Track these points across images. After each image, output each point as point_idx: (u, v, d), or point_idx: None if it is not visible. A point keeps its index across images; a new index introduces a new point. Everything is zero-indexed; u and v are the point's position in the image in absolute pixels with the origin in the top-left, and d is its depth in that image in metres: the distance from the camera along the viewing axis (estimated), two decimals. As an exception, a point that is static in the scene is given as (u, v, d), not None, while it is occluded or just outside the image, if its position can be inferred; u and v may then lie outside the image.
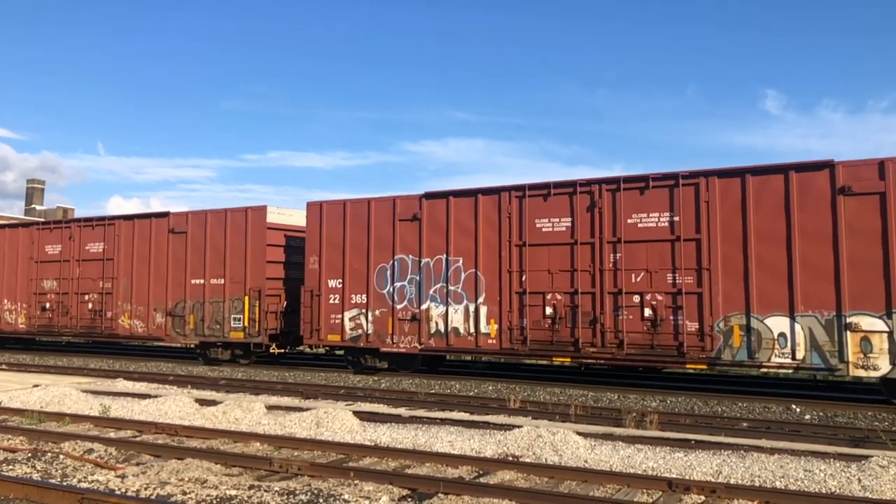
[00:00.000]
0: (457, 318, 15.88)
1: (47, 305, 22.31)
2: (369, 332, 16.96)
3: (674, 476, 7.76)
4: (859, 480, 7.42)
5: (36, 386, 14.89)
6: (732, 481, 7.60)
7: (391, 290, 16.74)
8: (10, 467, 8.19)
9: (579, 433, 9.61)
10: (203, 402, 12.51)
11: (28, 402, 13.04)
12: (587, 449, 8.98)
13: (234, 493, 7.03)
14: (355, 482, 7.54)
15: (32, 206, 56.23)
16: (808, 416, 12.08)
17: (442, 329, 16.04)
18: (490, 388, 15.17)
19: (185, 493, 7.04)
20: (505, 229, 15.48)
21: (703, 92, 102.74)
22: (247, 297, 18.77)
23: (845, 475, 7.58)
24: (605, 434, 9.85)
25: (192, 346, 20.23)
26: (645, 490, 7.33)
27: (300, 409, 11.67)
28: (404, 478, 7.66)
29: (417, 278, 16.41)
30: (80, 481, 7.59)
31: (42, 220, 21.70)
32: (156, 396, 13.19)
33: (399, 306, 16.61)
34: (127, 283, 20.84)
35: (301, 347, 19.64)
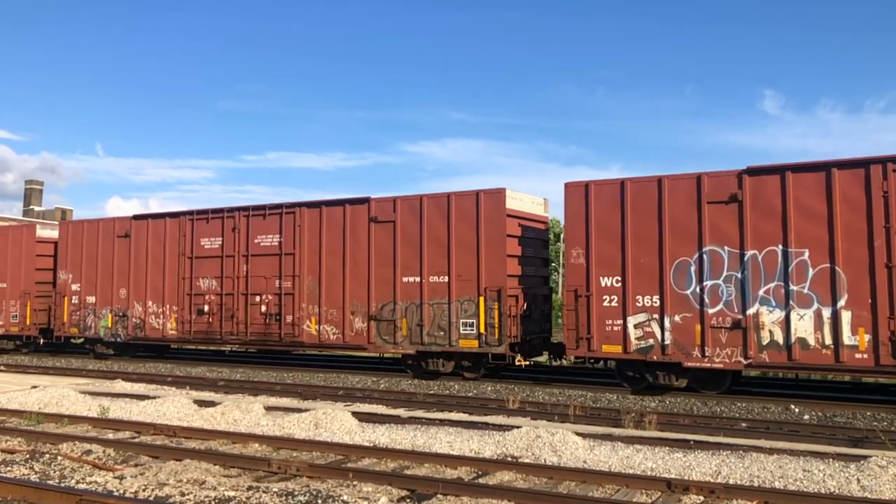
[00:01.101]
0: (803, 327, 12.87)
1: (205, 308, 19.33)
2: (665, 342, 13.77)
3: (673, 476, 7.75)
4: (858, 480, 7.42)
5: (34, 387, 14.87)
6: (731, 481, 7.59)
7: (697, 290, 13.68)
8: (9, 468, 8.18)
9: (578, 433, 9.61)
10: (202, 403, 12.50)
11: (26, 403, 13.02)
12: (586, 449, 8.97)
13: (232, 493, 7.02)
14: (354, 483, 7.54)
15: (31, 206, 56.19)
16: (806, 417, 12.08)
17: (780, 339, 12.98)
18: (489, 388, 15.17)
19: (183, 495, 7.03)
20: (878, 212, 12.44)
21: (702, 92, 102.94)
22: (482, 299, 15.70)
23: (844, 475, 7.59)
24: (604, 434, 9.85)
25: (405, 355, 17.07)
26: (644, 490, 7.33)
27: (299, 410, 11.66)
28: (403, 478, 7.66)
29: (739, 275, 13.40)
30: (78, 482, 7.58)
31: (196, 209, 19.82)
32: (154, 397, 13.18)
33: (711, 311, 13.50)
34: (314, 282, 17.79)
35: (538, 358, 16.95)
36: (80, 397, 13.37)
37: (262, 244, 18.79)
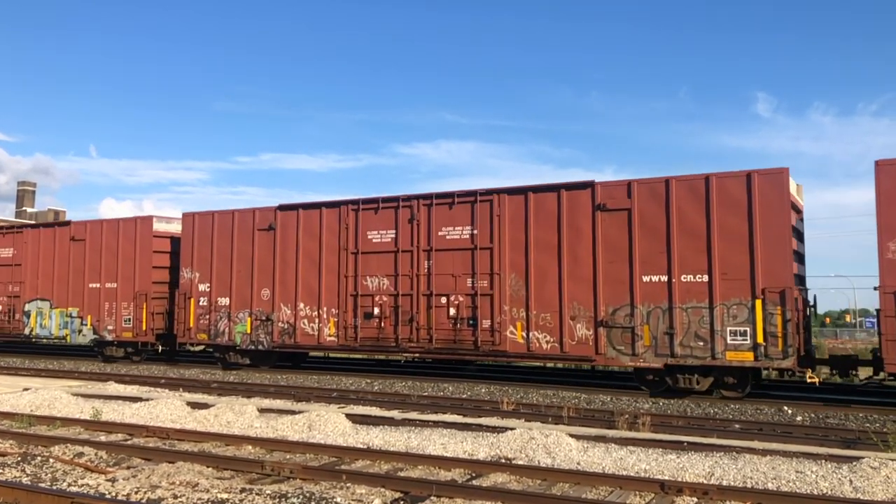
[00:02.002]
0: None
1: (375, 311, 16.81)
2: None
3: (666, 478, 7.77)
4: (851, 482, 7.45)
5: (26, 389, 14.79)
6: (725, 483, 7.61)
7: None
8: (0, 471, 8.13)
9: (572, 435, 9.62)
10: (195, 406, 12.46)
11: (18, 405, 12.96)
12: (580, 451, 8.98)
13: (225, 496, 7.00)
14: (347, 485, 7.53)
15: (23, 208, 55.97)
16: (799, 418, 12.12)
17: None
18: (483, 390, 15.17)
19: (176, 497, 7.01)
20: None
21: (695, 94, 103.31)
22: (759, 301, 13.13)
23: (837, 476, 7.61)
24: (598, 436, 9.86)
25: (644, 369, 14.33)
26: (637, 492, 7.34)
27: (292, 412, 11.64)
28: (397, 480, 7.65)
29: None
30: (70, 485, 7.54)
31: (361, 197, 17.47)
32: (147, 399, 13.13)
33: None
34: (518, 282, 15.32)
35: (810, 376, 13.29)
36: (72, 399, 13.31)
37: (448, 237, 16.30)
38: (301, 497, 6.96)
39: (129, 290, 20.89)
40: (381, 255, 17.03)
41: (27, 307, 22.90)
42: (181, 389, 15.73)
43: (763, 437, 10.31)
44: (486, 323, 15.51)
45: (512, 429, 9.89)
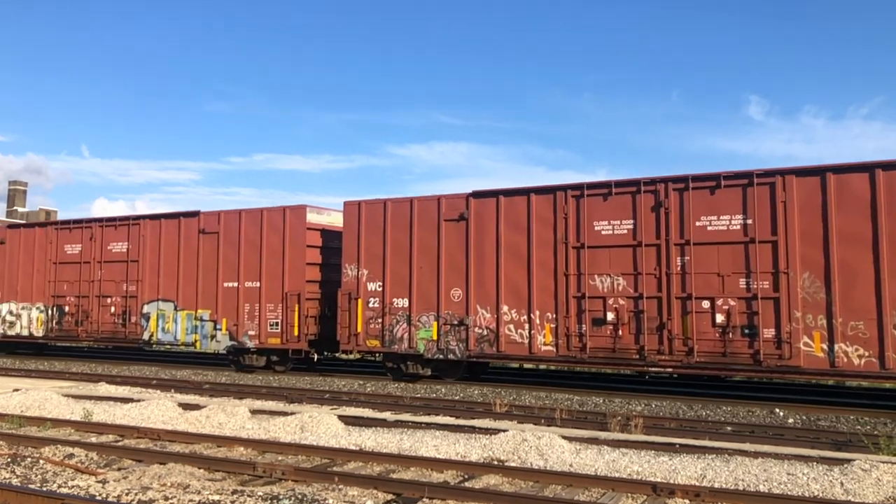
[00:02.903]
0: None
1: (608, 317, 14.19)
2: None
3: (658, 480, 7.78)
4: (842, 484, 7.47)
5: (16, 390, 14.70)
6: (716, 485, 7.63)
7: None
8: (-11, 472, 8.07)
9: (564, 437, 9.62)
10: (186, 407, 12.41)
11: (8, 406, 12.87)
12: (572, 453, 8.98)
13: (217, 497, 6.97)
14: (340, 487, 7.51)
15: (14, 207, 55.63)
16: (791, 420, 12.16)
17: None
18: (475, 392, 15.16)
19: (167, 499, 6.98)
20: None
21: (687, 97, 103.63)
22: None
23: (828, 478, 7.64)
24: (590, 438, 9.86)
25: None
26: (629, 494, 7.35)
27: (284, 414, 11.60)
28: (389, 482, 7.63)
29: None
30: (60, 486, 7.50)
31: (584, 181, 14.81)
32: (139, 400, 13.08)
33: None
34: (813, 282, 12.74)
35: None
36: (62, 400, 13.23)
37: (710, 228, 13.65)
38: (293, 499, 6.94)
39: (276, 289, 18.06)
40: (614, 249, 14.33)
41: (146, 309, 20.14)
42: (173, 390, 15.66)
43: (755, 439, 10.34)
44: (770, 333, 12.95)
45: (504, 430, 9.89)
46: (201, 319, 19.20)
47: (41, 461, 8.54)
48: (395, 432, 10.35)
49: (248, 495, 7.07)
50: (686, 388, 15.70)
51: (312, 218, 18.47)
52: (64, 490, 7.34)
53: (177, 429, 10.85)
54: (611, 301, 14.20)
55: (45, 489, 7.35)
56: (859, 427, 11.36)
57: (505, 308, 15.22)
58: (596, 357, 14.35)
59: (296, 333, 17.73)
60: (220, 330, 18.87)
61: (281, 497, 7.00)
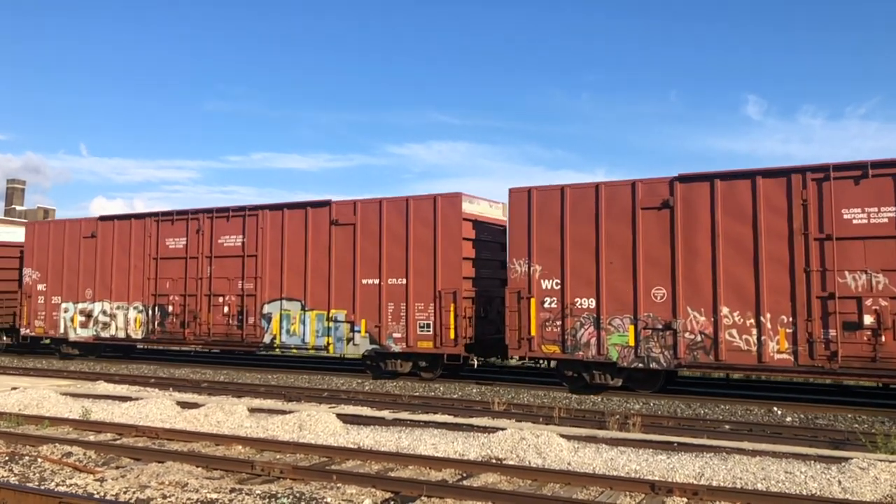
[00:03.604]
0: None
1: (866, 320, 12.15)
2: None
3: (656, 478, 7.78)
4: (839, 482, 7.48)
5: (14, 388, 14.68)
6: (714, 483, 7.63)
7: None
8: (-13, 471, 8.07)
9: (563, 435, 9.62)
10: (185, 405, 12.40)
11: (6, 404, 12.86)
12: (570, 451, 8.98)
13: (215, 496, 6.97)
14: (338, 485, 7.51)
15: (13, 206, 55.54)
16: (789, 419, 12.17)
17: None
18: (474, 390, 15.16)
19: (165, 497, 6.97)
20: None
21: (685, 97, 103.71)
22: None
23: (826, 477, 7.64)
24: (589, 436, 9.86)
25: None
26: (628, 492, 7.35)
27: (283, 412, 11.60)
28: (387, 481, 7.63)
29: None
30: (58, 485, 7.49)
31: (830, 163, 12.71)
32: (137, 399, 13.06)
33: None
34: None
35: None
36: (61, 399, 13.22)
37: None
38: (291, 497, 6.94)
39: (427, 287, 16.01)
40: (871, 242, 12.30)
41: (266, 309, 18.00)
42: (171, 389, 15.66)
43: (753, 437, 10.35)
44: None
45: (503, 429, 9.89)
46: (335, 320, 16.98)
47: (39, 460, 8.53)
48: (394, 431, 10.35)
49: (247, 494, 7.07)
50: (684, 386, 15.72)
51: (465, 208, 16.36)
52: (62, 488, 7.33)
53: (175, 427, 10.84)
54: (868, 302, 12.24)
55: (43, 488, 7.34)
56: (857, 426, 11.37)
57: (725, 310, 13.18)
58: (850, 367, 12.29)
59: (451, 336, 15.64)
60: (359, 332, 16.63)
61: (279, 495, 7.00)
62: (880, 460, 7.97)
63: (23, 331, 22.28)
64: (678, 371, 14.89)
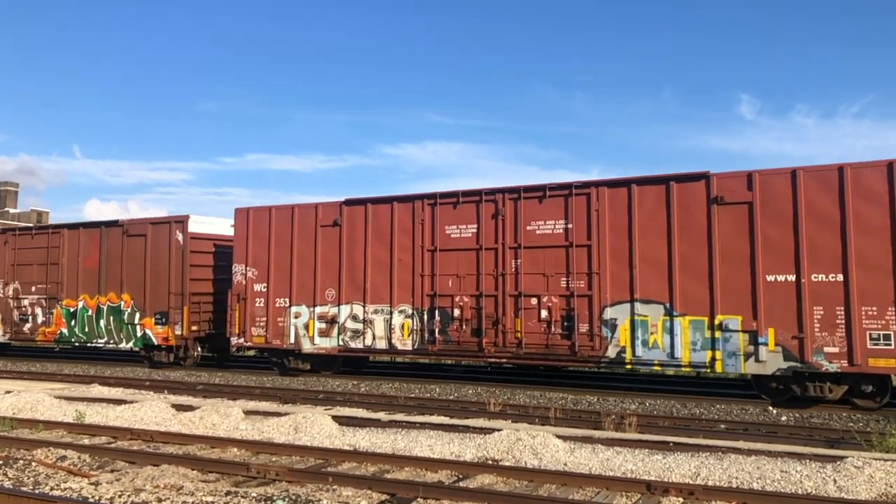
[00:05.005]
0: None
1: None
2: None
3: (652, 478, 7.79)
4: (835, 481, 7.50)
5: (8, 392, 14.61)
6: (710, 483, 7.64)
7: None
8: (-19, 475, 8.03)
9: (559, 436, 9.62)
10: (180, 408, 12.37)
11: (0, 408, 12.80)
12: (567, 452, 8.99)
13: (210, 499, 6.95)
14: (334, 487, 7.49)
15: (6, 209, 55.35)
16: (784, 418, 12.20)
17: None
18: (470, 391, 15.15)
19: (160, 500, 6.95)
20: None
21: (679, 96, 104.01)
22: None
23: (821, 476, 7.66)
24: (585, 437, 9.87)
25: None
26: (624, 493, 7.35)
27: (278, 414, 11.57)
28: (383, 482, 7.62)
29: None
30: (52, 489, 7.47)
31: None
32: (132, 402, 13.02)
33: None
34: None
35: None
36: (55, 402, 13.16)
37: None
38: (287, 499, 6.93)
39: (880, 284, 12.12)
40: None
41: (609, 314, 14.13)
42: (166, 392, 15.61)
43: (748, 437, 10.37)
44: None
45: (499, 430, 9.89)
46: (724, 329, 13.13)
47: (33, 463, 8.49)
48: (390, 432, 10.34)
49: (242, 496, 7.05)
50: (679, 386, 15.74)
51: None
52: (56, 492, 7.31)
53: (170, 430, 10.81)
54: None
55: (37, 492, 7.31)
56: (852, 424, 11.39)
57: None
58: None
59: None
60: (765, 345, 12.80)
61: (275, 498, 6.98)
62: (875, 459, 8.00)
63: (235, 340, 18.12)
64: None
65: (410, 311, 16.17)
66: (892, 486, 7.35)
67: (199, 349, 20.18)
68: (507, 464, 8.68)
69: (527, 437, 9.30)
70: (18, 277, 22.71)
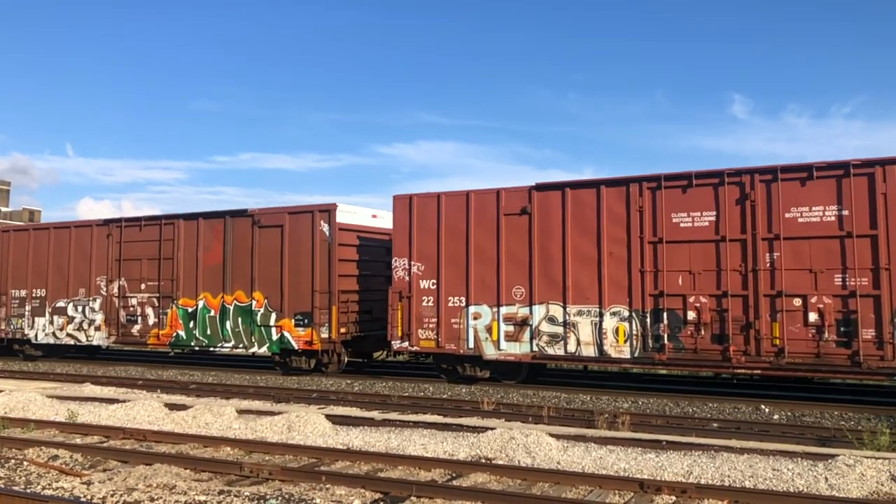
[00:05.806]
0: None
1: None
2: None
3: (645, 477, 7.81)
4: (826, 479, 7.54)
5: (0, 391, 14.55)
6: (703, 481, 7.67)
7: None
8: (-28, 475, 7.99)
9: (552, 435, 9.64)
10: (173, 407, 12.33)
11: (-9, 407, 12.75)
12: (560, 450, 9.00)
13: (203, 498, 6.94)
14: (327, 486, 7.49)
15: (-3, 207, 55.11)
16: (776, 416, 12.25)
17: None
18: (463, 390, 15.16)
19: (152, 500, 6.93)
20: None
21: (672, 96, 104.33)
22: None
23: (812, 474, 7.70)
24: (578, 435, 9.89)
25: None
26: (617, 491, 7.37)
27: (272, 413, 11.56)
28: (376, 481, 7.62)
29: None
30: (44, 488, 7.44)
31: None
32: (124, 401, 12.98)
33: None
34: None
35: None
36: (47, 401, 13.11)
37: None
38: (280, 498, 6.92)
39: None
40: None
41: None
42: (159, 391, 15.56)
43: (741, 435, 10.41)
44: None
45: (492, 429, 9.90)
46: None
47: (25, 463, 8.46)
48: (383, 431, 10.33)
49: (235, 495, 7.04)
50: (673, 385, 15.78)
51: None
52: (48, 492, 7.28)
53: (163, 429, 10.79)
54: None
55: (28, 491, 7.28)
56: (843, 423, 11.45)
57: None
58: None
59: None
60: None
61: (268, 497, 6.98)
62: (866, 457, 8.04)
63: (397, 344, 16.17)
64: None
65: (627, 313, 13.92)
66: (882, 485, 7.40)
67: (344, 356, 17.94)
68: (500, 462, 8.69)
69: (520, 436, 9.32)
70: (125, 274, 20.27)
